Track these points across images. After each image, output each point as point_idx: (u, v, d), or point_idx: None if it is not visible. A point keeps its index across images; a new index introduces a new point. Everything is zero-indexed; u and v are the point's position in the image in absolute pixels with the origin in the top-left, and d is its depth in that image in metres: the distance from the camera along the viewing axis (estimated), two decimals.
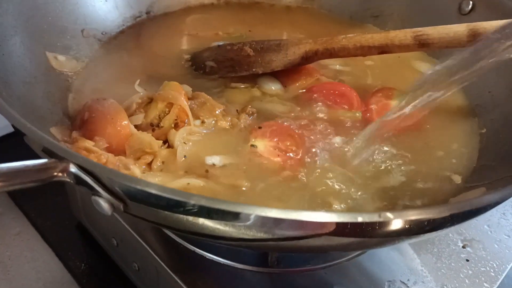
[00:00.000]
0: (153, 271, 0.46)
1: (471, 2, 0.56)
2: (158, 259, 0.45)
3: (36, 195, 0.61)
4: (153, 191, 0.25)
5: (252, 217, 0.26)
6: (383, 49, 0.47)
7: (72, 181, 0.27)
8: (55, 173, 0.26)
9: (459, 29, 0.44)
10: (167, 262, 0.44)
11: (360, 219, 0.25)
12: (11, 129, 0.67)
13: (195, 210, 0.26)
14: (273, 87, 0.50)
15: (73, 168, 0.27)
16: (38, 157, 0.27)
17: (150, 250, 0.45)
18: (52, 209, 0.60)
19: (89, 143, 0.37)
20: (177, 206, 0.26)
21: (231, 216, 0.26)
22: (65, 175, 0.27)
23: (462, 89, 0.50)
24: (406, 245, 0.47)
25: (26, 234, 0.58)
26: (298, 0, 0.67)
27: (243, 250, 0.45)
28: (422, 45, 0.46)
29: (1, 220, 0.59)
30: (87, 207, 0.55)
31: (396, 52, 0.48)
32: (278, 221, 0.25)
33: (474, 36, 0.43)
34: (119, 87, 0.47)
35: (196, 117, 0.43)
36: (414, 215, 0.26)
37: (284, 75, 0.50)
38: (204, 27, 0.61)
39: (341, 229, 0.28)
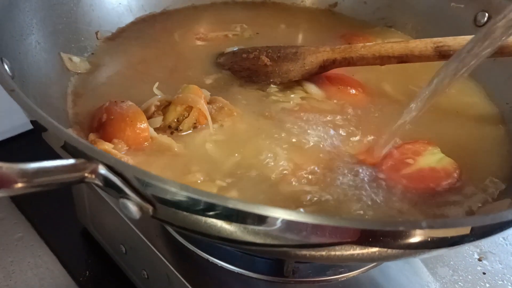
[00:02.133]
0: (164, 279, 0.45)
1: (486, 14, 0.56)
2: (170, 266, 0.44)
3: (39, 198, 0.59)
4: (187, 193, 0.24)
5: (281, 221, 0.25)
6: (402, 59, 0.47)
7: (100, 183, 0.26)
8: (86, 174, 0.25)
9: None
10: (179, 269, 0.43)
11: (401, 228, 0.24)
12: (20, 130, 0.66)
13: (229, 214, 0.25)
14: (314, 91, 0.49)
15: (102, 169, 0.26)
16: (52, 157, 0.26)
17: (162, 257, 0.44)
18: (56, 213, 0.58)
19: (108, 146, 0.36)
20: (210, 209, 0.25)
21: (262, 221, 0.25)
22: (94, 176, 0.26)
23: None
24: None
25: (29, 239, 0.57)
26: (319, 2, 0.66)
27: (258, 258, 0.44)
28: (442, 56, 0.46)
29: (3, 225, 0.58)
30: (94, 212, 0.53)
31: (415, 62, 0.48)
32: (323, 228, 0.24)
33: None
34: (135, 88, 0.46)
35: (214, 121, 0.43)
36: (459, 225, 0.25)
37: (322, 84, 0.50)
38: (213, 28, 0.60)
39: (373, 237, 0.27)
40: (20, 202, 0.59)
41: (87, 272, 0.53)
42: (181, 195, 0.25)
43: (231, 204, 0.24)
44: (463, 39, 0.45)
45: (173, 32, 0.58)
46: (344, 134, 0.44)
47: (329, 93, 0.49)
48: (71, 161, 0.25)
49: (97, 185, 0.27)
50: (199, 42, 0.57)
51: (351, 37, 0.58)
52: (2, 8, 0.38)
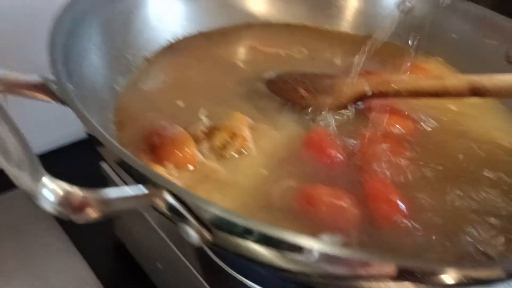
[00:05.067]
0: None
1: None
2: (206, 285, 0.45)
3: None
4: (252, 226, 0.26)
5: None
6: (437, 96, 0.49)
7: (164, 209, 0.28)
8: (155, 201, 0.27)
9: None
10: None
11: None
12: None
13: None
14: None
15: (168, 196, 0.28)
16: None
17: (198, 275, 0.46)
18: (93, 226, 0.61)
19: (160, 169, 0.38)
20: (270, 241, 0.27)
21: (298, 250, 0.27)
22: (161, 203, 0.28)
23: None
24: None
25: (64, 249, 0.59)
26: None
27: (290, 283, 0.46)
28: (476, 95, 0.47)
29: (40, 235, 0.60)
30: (131, 227, 0.56)
31: (449, 98, 0.49)
32: None
33: None
34: (180, 110, 0.49)
35: (257, 146, 0.45)
36: None
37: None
38: (264, 43, 0.62)
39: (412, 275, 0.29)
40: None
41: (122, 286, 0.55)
42: (243, 226, 0.27)
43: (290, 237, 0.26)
44: (499, 80, 0.46)
45: (221, 50, 0.60)
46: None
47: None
48: (144, 190, 0.27)
49: (159, 210, 0.29)
50: (245, 62, 0.59)
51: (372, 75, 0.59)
52: (67, 35, 0.41)
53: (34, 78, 0.33)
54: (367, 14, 0.69)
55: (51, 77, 0.34)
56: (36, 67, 0.34)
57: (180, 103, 0.50)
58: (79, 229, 0.59)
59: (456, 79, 0.48)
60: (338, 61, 0.62)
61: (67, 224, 0.60)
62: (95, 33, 0.47)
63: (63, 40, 0.39)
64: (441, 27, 0.64)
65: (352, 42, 0.68)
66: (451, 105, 0.55)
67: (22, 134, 0.27)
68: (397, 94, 0.50)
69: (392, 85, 0.50)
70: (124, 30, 0.53)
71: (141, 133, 0.44)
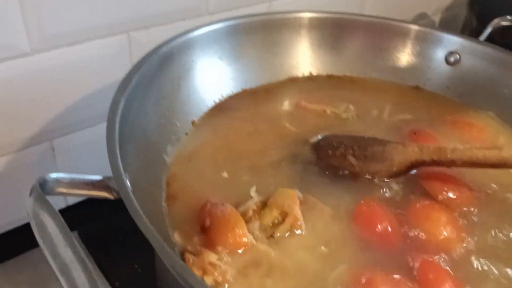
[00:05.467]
0: None
1: None
2: None
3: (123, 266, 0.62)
4: None
5: None
6: (494, 167, 0.47)
7: None
8: None
9: None
10: None
11: None
12: None
13: None
14: None
15: None
16: None
17: None
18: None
19: (213, 257, 0.38)
20: None
21: None
22: None
23: None
24: None
25: None
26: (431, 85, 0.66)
27: None
28: None
29: None
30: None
31: (506, 169, 0.47)
32: None
33: None
34: (228, 183, 0.49)
35: (307, 222, 0.44)
36: None
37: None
38: (309, 99, 0.62)
39: None
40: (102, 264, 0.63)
41: None
42: None
43: None
44: None
45: (266, 108, 0.61)
46: None
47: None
48: None
49: None
50: (291, 121, 0.59)
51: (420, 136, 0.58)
52: (121, 121, 0.42)
53: (95, 178, 0.34)
54: (415, 64, 0.67)
55: (110, 174, 0.34)
56: None
57: (228, 174, 0.50)
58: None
59: None
60: (386, 117, 0.61)
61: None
62: (147, 108, 0.48)
63: (119, 127, 0.39)
64: (492, 81, 0.63)
65: (399, 93, 0.67)
66: None
67: None
68: (452, 163, 0.48)
69: (447, 154, 0.48)
70: (173, 97, 0.54)
71: (192, 209, 0.45)
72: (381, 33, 0.66)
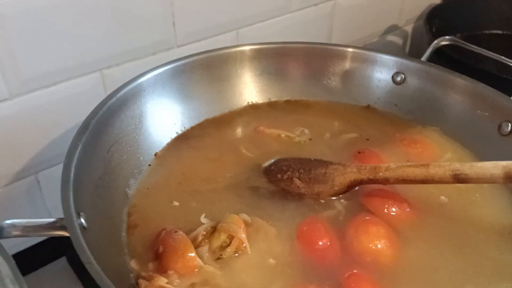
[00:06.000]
0: None
1: (510, 125, 0.59)
2: None
3: None
4: None
5: None
6: (423, 182, 0.52)
7: None
8: None
9: (495, 171, 0.48)
10: None
11: None
12: None
13: None
14: None
15: None
16: None
17: None
18: None
19: (163, 281, 0.43)
20: None
21: None
22: None
23: None
24: None
25: None
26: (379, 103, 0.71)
27: None
28: (459, 182, 0.50)
29: None
30: None
31: (433, 184, 0.52)
32: None
33: (510, 179, 0.47)
34: (183, 210, 0.54)
35: (253, 243, 0.49)
36: None
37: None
38: (267, 124, 0.67)
39: None
40: None
41: None
42: None
43: None
44: (480, 168, 0.49)
45: (225, 135, 0.66)
46: None
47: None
48: None
49: None
50: (248, 148, 0.63)
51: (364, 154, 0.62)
52: (79, 159, 0.47)
53: (49, 220, 0.39)
54: (364, 85, 0.72)
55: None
56: None
57: (181, 202, 0.54)
58: None
59: (440, 167, 0.51)
60: (337, 138, 0.66)
61: None
62: (108, 147, 0.53)
63: (75, 171, 0.45)
64: (435, 98, 0.67)
65: (352, 114, 0.72)
66: None
67: None
68: (386, 180, 0.53)
69: (381, 173, 0.53)
70: (135, 133, 0.59)
71: (150, 237, 0.50)
72: (327, 57, 0.71)
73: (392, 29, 1.16)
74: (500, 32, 0.99)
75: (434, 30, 0.91)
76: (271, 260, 0.48)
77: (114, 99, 0.55)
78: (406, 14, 1.17)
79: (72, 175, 0.44)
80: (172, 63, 0.64)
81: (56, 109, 0.66)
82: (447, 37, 0.69)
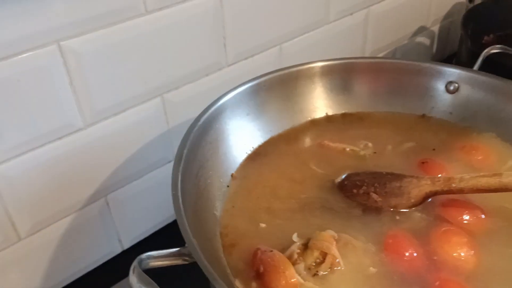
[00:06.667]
0: None
1: None
2: None
3: None
4: None
5: None
6: (497, 191, 0.55)
7: None
8: None
9: None
10: None
11: None
12: None
13: None
14: None
15: None
16: None
17: None
18: None
19: None
20: None
21: None
22: None
23: None
24: None
25: None
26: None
27: None
28: None
29: None
30: None
31: (506, 192, 0.55)
32: None
33: None
34: (270, 230, 0.57)
35: (344, 259, 0.52)
36: None
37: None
38: (330, 138, 0.70)
39: None
40: None
41: None
42: None
43: None
44: None
45: (292, 152, 0.69)
46: None
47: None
48: None
49: None
50: (317, 163, 0.66)
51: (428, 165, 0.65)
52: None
53: (174, 250, 0.42)
54: (419, 95, 0.75)
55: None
56: None
57: (268, 221, 0.58)
58: None
59: None
60: (398, 149, 0.69)
61: None
62: (197, 174, 0.57)
63: (181, 195, 0.48)
64: (489, 105, 0.70)
65: (408, 123, 0.75)
66: None
67: None
68: (460, 191, 0.56)
69: (455, 184, 0.56)
70: (214, 158, 0.62)
71: (246, 257, 0.53)
72: (385, 71, 0.74)
73: (420, 30, 1.19)
74: None
75: (470, 33, 0.94)
76: (367, 272, 0.51)
77: (197, 128, 0.59)
78: (433, 14, 1.20)
79: (181, 204, 0.47)
80: (242, 86, 0.67)
81: (123, 135, 0.71)
82: (497, 45, 0.72)
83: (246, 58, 0.82)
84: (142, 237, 0.82)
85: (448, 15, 1.25)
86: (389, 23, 1.07)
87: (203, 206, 0.56)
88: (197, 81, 0.76)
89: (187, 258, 0.43)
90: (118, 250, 0.80)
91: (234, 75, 0.80)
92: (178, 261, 0.42)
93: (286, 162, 0.68)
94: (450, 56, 1.31)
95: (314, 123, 0.75)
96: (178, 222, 0.44)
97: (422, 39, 1.22)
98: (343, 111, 0.76)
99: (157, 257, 0.41)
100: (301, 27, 0.88)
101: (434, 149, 0.68)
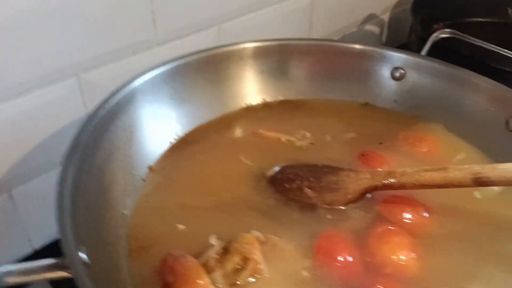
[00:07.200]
0: None
1: None
2: None
3: None
4: None
5: None
6: (441, 187, 0.49)
7: None
8: None
9: None
10: None
11: None
12: None
13: None
14: None
15: None
16: None
17: None
18: None
19: None
20: None
21: None
22: None
23: None
24: None
25: None
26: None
27: None
28: (480, 185, 0.48)
29: None
30: None
31: (452, 188, 0.50)
32: None
33: None
34: (189, 230, 0.49)
35: (269, 263, 0.45)
36: None
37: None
38: (265, 126, 0.63)
39: None
40: None
41: None
42: None
43: None
44: (503, 171, 0.47)
45: (222, 141, 0.61)
46: None
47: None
48: None
49: None
50: (248, 154, 0.59)
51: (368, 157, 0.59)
52: (73, 183, 0.42)
53: (48, 262, 0.34)
54: (362, 82, 0.69)
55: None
56: None
57: (186, 222, 0.50)
58: None
59: (459, 171, 0.48)
60: (338, 140, 0.63)
61: None
62: (100, 165, 0.48)
63: (71, 198, 0.39)
64: (437, 93, 0.65)
65: (351, 112, 0.69)
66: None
67: None
68: (402, 186, 0.50)
69: (397, 179, 0.50)
70: (127, 146, 0.54)
71: (154, 263, 0.45)
72: (325, 54, 0.68)
73: (369, 18, 1.14)
74: (482, 20, 0.98)
75: (420, 19, 0.89)
76: (292, 282, 0.44)
77: (103, 111, 0.50)
78: (383, 2, 1.16)
79: (68, 204, 0.38)
80: (164, 65, 0.59)
81: (29, 119, 0.60)
82: (446, 30, 0.67)
83: (179, 38, 0.73)
84: (56, 236, 0.72)
85: (399, 4, 1.21)
86: (336, 8, 1.02)
87: (107, 204, 0.47)
88: (122, 60, 0.67)
89: (67, 273, 0.34)
90: (28, 250, 0.70)
91: (165, 55, 0.71)
92: (55, 275, 0.34)
93: (214, 153, 0.60)
94: (400, 47, 1.27)
95: (250, 110, 0.67)
96: (58, 227, 0.36)
97: (372, 27, 1.17)
98: (282, 98, 0.69)
99: (20, 272, 0.32)
100: (243, 6, 0.80)
101: (376, 141, 0.62)
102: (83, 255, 0.37)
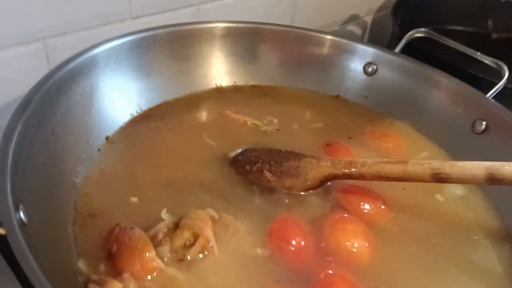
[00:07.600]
0: None
1: (484, 123, 0.58)
2: None
3: None
4: None
5: None
6: (400, 180, 0.49)
7: None
8: None
9: (477, 172, 0.46)
10: None
11: None
12: None
13: None
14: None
15: None
16: None
17: None
18: None
19: (118, 286, 0.37)
20: None
21: None
22: None
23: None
24: None
25: None
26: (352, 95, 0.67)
27: None
28: (438, 181, 0.48)
29: None
30: None
31: (413, 182, 0.49)
32: None
33: (491, 180, 0.45)
34: (142, 202, 0.48)
35: (220, 242, 0.44)
36: None
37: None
38: (233, 109, 0.62)
39: None
40: None
41: None
42: None
43: None
44: (462, 168, 0.47)
45: (187, 119, 0.60)
46: None
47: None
48: None
49: None
50: (212, 134, 0.58)
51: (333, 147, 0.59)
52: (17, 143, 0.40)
53: None
54: (335, 74, 0.69)
55: None
56: None
57: (139, 194, 0.48)
58: None
59: (419, 165, 0.48)
60: (305, 128, 0.62)
61: None
62: (53, 128, 0.46)
63: (14, 157, 0.37)
64: (407, 91, 0.65)
65: (321, 103, 0.68)
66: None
67: None
68: (361, 176, 0.50)
69: (357, 168, 0.50)
70: (84, 113, 0.52)
71: (102, 234, 0.43)
72: (299, 43, 0.67)
73: (352, 18, 1.14)
74: (462, 28, 0.99)
75: (399, 22, 0.89)
76: (242, 261, 0.43)
77: (61, 73, 0.48)
78: (367, 4, 1.16)
79: (9, 160, 0.36)
80: (130, 35, 0.57)
81: None
82: (422, 29, 0.66)
83: (156, 13, 0.71)
84: None
85: (382, 8, 1.21)
86: (321, 4, 1.01)
87: (56, 168, 0.45)
88: (92, 29, 0.64)
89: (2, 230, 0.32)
90: None
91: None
92: None
93: (177, 130, 0.58)
94: None
95: (220, 91, 0.66)
96: None
97: (354, 28, 1.17)
98: (253, 83, 0.68)
99: None
100: None
101: (343, 133, 0.62)
102: (21, 214, 0.35)
